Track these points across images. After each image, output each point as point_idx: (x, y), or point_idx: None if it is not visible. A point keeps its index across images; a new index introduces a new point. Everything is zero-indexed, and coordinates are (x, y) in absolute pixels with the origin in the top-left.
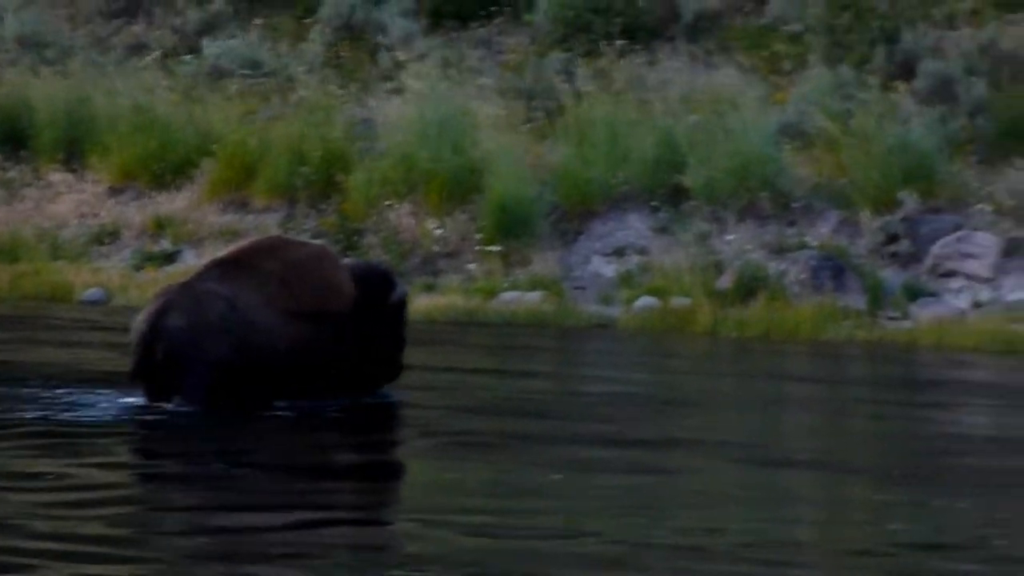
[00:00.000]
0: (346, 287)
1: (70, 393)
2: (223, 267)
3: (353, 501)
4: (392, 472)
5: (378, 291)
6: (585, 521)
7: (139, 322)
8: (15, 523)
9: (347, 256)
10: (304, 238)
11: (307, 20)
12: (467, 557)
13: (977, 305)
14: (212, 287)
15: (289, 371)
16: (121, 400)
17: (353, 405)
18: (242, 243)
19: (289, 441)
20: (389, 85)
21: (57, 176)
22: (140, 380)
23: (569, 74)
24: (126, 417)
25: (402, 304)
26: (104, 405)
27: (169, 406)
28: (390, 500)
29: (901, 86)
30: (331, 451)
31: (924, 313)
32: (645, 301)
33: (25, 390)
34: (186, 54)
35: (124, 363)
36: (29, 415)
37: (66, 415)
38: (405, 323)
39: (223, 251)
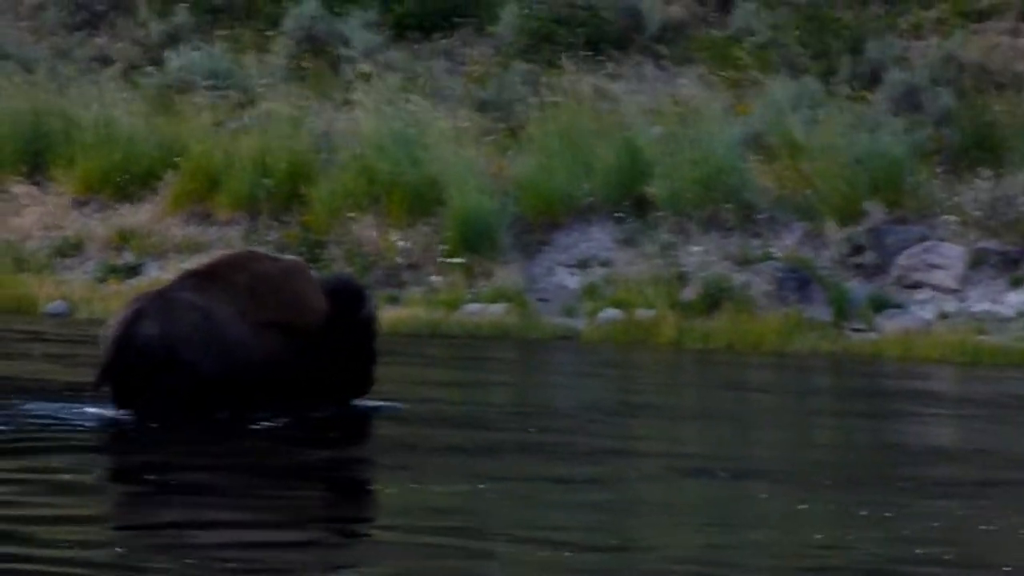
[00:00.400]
0: (317, 302)
1: (35, 405)
2: (197, 278)
3: (324, 514)
4: (358, 486)
5: (349, 305)
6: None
7: (111, 328)
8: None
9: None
10: (268, 250)
11: (270, 32)
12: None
13: (943, 316)
14: (186, 296)
15: (259, 383)
16: (88, 410)
17: (317, 418)
18: (216, 256)
19: (256, 453)
20: (351, 96)
21: (20, 188)
22: (108, 385)
23: (533, 85)
24: (93, 428)
25: (372, 319)
26: (69, 416)
27: (132, 415)
28: (362, 514)
29: (867, 96)
30: (298, 463)
31: (890, 324)
32: (609, 313)
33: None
34: (149, 66)
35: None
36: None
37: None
38: (375, 337)
39: (196, 263)
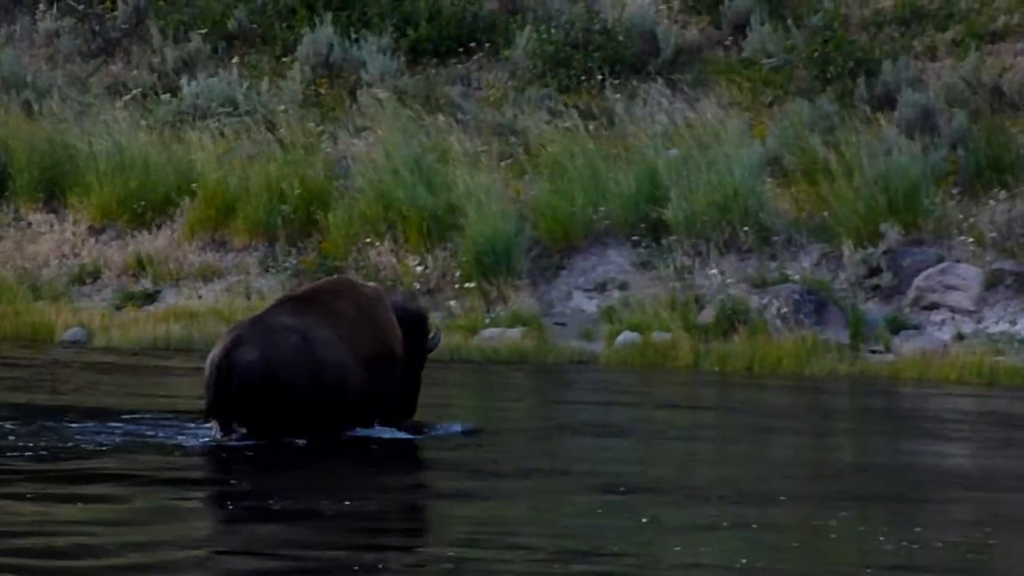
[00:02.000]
0: (399, 331)
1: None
2: (294, 302)
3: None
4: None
5: (418, 335)
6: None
7: (213, 356)
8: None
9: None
10: (283, 277)
11: (285, 59)
12: None
13: (960, 337)
14: (284, 320)
15: (350, 407)
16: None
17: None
18: (315, 283)
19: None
20: (367, 122)
21: (37, 216)
22: (214, 414)
23: (548, 109)
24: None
25: (434, 349)
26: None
27: (238, 437)
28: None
29: (882, 118)
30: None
31: (907, 346)
32: (626, 336)
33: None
34: (165, 93)
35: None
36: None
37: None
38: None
39: (294, 290)
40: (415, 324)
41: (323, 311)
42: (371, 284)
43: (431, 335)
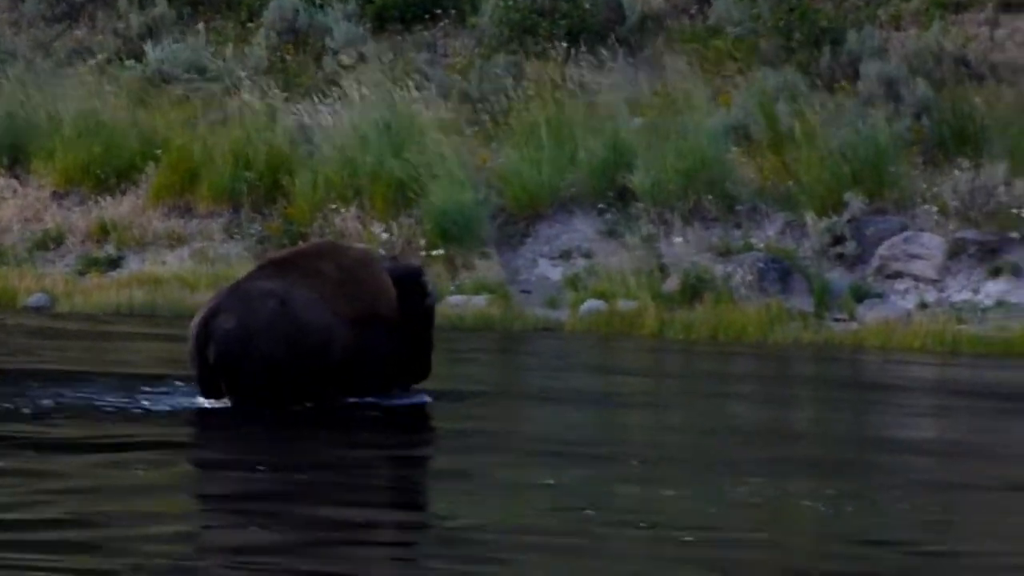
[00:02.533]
0: (391, 291)
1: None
2: (275, 266)
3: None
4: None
5: (414, 294)
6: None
7: (193, 325)
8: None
9: None
10: (248, 243)
11: (251, 24)
12: None
13: (923, 306)
14: (263, 285)
15: (336, 371)
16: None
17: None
18: (299, 246)
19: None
20: (333, 89)
21: (0, 181)
22: (198, 380)
23: (515, 77)
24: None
25: (434, 307)
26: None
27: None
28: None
29: (847, 87)
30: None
31: (870, 314)
32: (591, 304)
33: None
34: (129, 59)
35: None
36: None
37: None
38: (433, 324)
39: (276, 253)
40: (410, 283)
41: (304, 272)
42: (359, 245)
43: (430, 292)
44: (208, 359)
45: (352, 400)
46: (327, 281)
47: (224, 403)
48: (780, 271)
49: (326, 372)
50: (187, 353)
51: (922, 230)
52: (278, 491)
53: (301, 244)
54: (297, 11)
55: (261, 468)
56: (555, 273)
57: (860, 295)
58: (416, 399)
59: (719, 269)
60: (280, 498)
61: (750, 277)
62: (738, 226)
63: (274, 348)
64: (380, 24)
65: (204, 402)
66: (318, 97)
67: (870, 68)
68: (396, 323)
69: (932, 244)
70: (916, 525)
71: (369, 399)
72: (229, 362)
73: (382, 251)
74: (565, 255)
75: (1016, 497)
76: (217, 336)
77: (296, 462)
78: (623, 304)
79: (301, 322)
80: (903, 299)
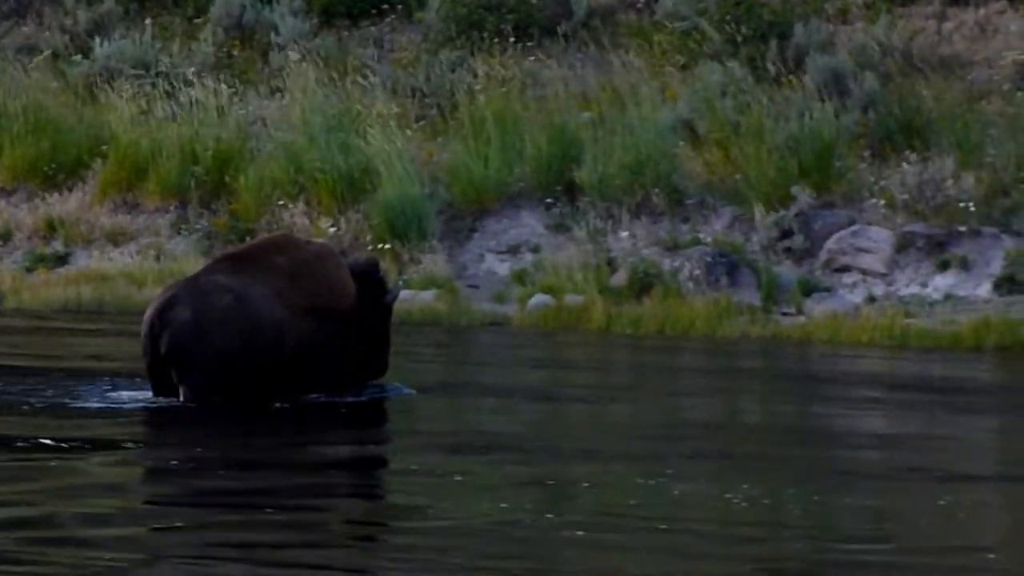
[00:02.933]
0: (350, 286)
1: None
2: (231, 260)
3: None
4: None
5: (374, 290)
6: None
7: (147, 316)
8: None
9: None
10: (195, 239)
11: (198, 20)
12: None
13: (871, 299)
14: (219, 280)
15: (292, 367)
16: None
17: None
18: (254, 240)
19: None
20: (280, 84)
21: None
22: (150, 374)
23: (462, 71)
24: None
25: (394, 303)
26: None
27: (173, 400)
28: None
29: (794, 81)
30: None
31: (818, 308)
32: (539, 299)
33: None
34: (77, 54)
35: None
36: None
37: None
38: (391, 321)
39: (233, 247)
40: (370, 278)
41: (260, 267)
42: (318, 240)
43: (391, 289)
44: (160, 349)
45: (351, 397)
46: (282, 275)
47: (171, 401)
48: (728, 265)
49: (278, 367)
50: (141, 344)
51: (870, 224)
52: (230, 489)
53: (259, 238)
54: (244, 7)
55: (214, 468)
56: (503, 268)
57: (808, 289)
58: (397, 391)
59: (667, 263)
60: (231, 496)
61: (698, 271)
62: (686, 220)
63: (228, 342)
64: (327, 19)
65: (153, 399)
66: (265, 93)
67: (817, 62)
68: (354, 319)
69: (880, 238)
70: (859, 517)
71: (357, 394)
72: (182, 354)
73: None
74: (513, 250)
75: (957, 489)
76: (172, 327)
77: (247, 461)
78: (571, 299)
79: (255, 318)
80: (851, 293)
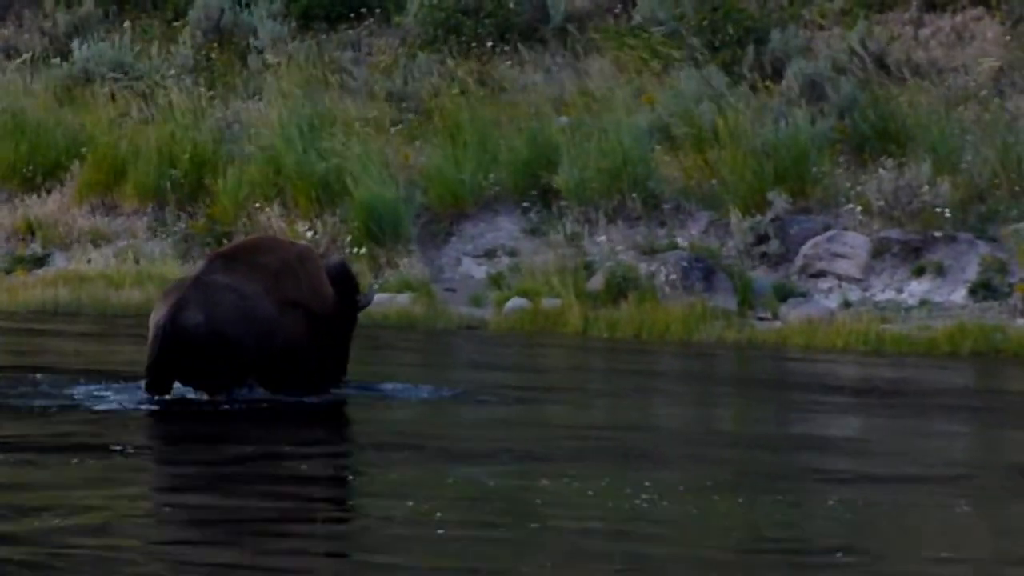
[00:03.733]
0: (328, 287)
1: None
2: (223, 259)
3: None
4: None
5: (348, 292)
6: None
7: (158, 320)
8: None
9: None
10: (172, 241)
11: (176, 23)
12: None
13: (847, 305)
14: (219, 279)
15: (280, 363)
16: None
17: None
18: (240, 240)
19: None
20: (258, 87)
21: None
22: (154, 374)
23: (440, 75)
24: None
25: (366, 307)
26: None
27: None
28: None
29: (770, 86)
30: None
31: (794, 313)
32: (516, 302)
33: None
34: (56, 57)
35: None
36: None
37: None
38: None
39: (222, 248)
40: (344, 281)
41: (248, 266)
42: (301, 242)
43: (363, 293)
44: (175, 353)
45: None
46: (268, 274)
47: (157, 400)
48: (704, 270)
49: (266, 364)
50: (149, 347)
51: (846, 229)
52: (200, 485)
53: (245, 238)
54: (223, 10)
55: (186, 462)
56: (479, 271)
57: (784, 294)
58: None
59: (643, 268)
60: (201, 492)
61: (674, 276)
62: (662, 225)
63: (242, 336)
64: (305, 23)
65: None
66: (243, 96)
67: (794, 67)
68: (330, 319)
69: (856, 243)
70: (831, 521)
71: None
72: (201, 355)
73: None
74: (489, 253)
75: (926, 493)
76: (187, 330)
77: (221, 458)
78: (547, 302)
79: (256, 313)
80: (827, 298)
